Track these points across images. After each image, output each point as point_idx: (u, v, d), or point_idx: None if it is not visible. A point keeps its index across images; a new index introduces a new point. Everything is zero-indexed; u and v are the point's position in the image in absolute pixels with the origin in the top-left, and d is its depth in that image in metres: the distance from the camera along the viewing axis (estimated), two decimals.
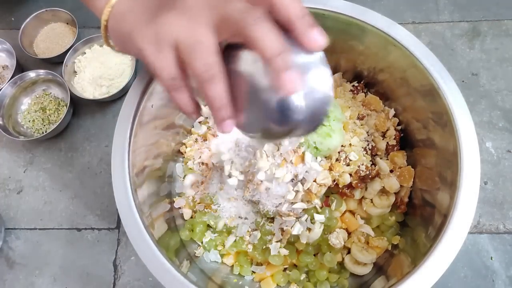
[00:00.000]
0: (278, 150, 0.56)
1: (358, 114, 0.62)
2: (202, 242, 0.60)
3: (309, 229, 0.56)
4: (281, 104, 0.32)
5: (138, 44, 0.37)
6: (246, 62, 0.34)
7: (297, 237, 0.56)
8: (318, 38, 0.31)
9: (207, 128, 0.65)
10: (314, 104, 0.33)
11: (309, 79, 0.33)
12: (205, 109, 0.66)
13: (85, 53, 0.74)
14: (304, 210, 0.57)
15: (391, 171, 0.60)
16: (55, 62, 0.75)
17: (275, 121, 0.33)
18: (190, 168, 0.63)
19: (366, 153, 0.60)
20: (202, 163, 0.63)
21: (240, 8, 0.31)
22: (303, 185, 0.56)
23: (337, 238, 0.56)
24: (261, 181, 0.56)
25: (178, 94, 0.37)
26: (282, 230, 0.57)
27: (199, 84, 0.34)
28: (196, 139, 0.65)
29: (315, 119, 0.35)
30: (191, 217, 0.62)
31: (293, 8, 0.31)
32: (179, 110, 0.38)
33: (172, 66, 0.35)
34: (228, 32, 0.33)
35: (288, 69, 0.30)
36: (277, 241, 0.57)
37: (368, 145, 0.61)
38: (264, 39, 0.30)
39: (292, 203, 0.56)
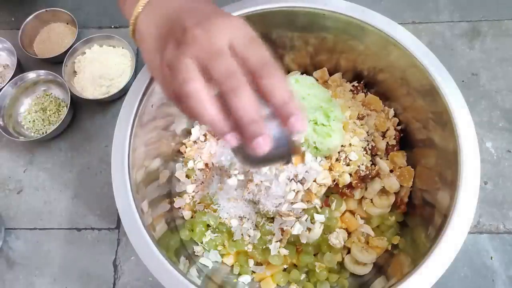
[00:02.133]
0: None
1: (358, 114, 0.62)
2: (202, 242, 0.60)
3: (309, 229, 0.56)
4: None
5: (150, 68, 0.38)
6: None
7: (297, 237, 0.56)
8: (299, 124, 0.32)
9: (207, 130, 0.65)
10: (280, 148, 0.35)
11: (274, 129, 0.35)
12: None
13: (85, 53, 0.74)
14: (304, 210, 0.57)
15: (391, 171, 0.60)
16: (55, 62, 0.75)
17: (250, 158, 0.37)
18: (190, 169, 0.63)
19: (366, 153, 0.60)
20: (203, 164, 0.63)
21: (230, 68, 0.32)
22: (303, 185, 0.56)
23: (337, 238, 0.56)
24: (261, 181, 0.56)
25: (205, 107, 0.34)
26: (282, 230, 0.57)
27: (224, 93, 0.32)
28: (195, 140, 0.65)
29: (283, 157, 0.38)
30: (191, 217, 0.62)
31: (279, 92, 0.32)
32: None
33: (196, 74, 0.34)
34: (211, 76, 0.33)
35: (259, 135, 0.31)
36: (277, 241, 0.57)
37: (368, 145, 0.61)
38: (242, 106, 0.31)
39: (292, 203, 0.56)
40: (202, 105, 0.32)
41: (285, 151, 0.36)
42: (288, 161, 0.39)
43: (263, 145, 0.31)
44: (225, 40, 0.33)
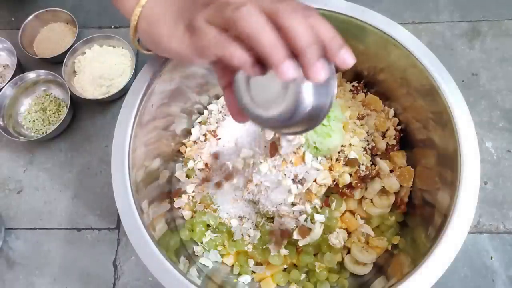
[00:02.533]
0: (279, 153, 0.56)
1: (358, 114, 0.62)
2: (202, 242, 0.60)
3: (309, 229, 0.56)
4: (298, 94, 0.34)
5: (171, 44, 0.38)
6: None
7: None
8: (349, 56, 0.33)
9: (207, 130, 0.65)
10: (321, 101, 0.35)
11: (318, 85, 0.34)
12: (210, 107, 0.66)
13: (85, 53, 0.74)
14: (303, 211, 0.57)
15: (391, 171, 0.60)
16: (55, 62, 0.75)
17: (286, 109, 0.35)
18: (190, 169, 0.63)
19: (366, 153, 0.60)
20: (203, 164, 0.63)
21: (280, 5, 0.32)
22: (303, 185, 0.56)
23: (337, 238, 0.56)
24: (261, 182, 0.56)
25: (226, 48, 0.33)
26: (282, 231, 0.57)
27: (238, 30, 0.32)
28: (195, 140, 0.65)
29: (317, 116, 0.36)
30: (191, 217, 0.62)
31: (326, 28, 0.33)
32: (239, 69, 0.35)
33: (211, 29, 0.34)
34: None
35: (319, 57, 0.31)
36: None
37: (368, 145, 0.61)
38: (300, 29, 0.31)
39: (292, 204, 0.57)
40: (261, 26, 0.31)
41: (325, 107, 0.35)
42: (319, 120, 0.37)
43: (324, 69, 0.31)
44: None
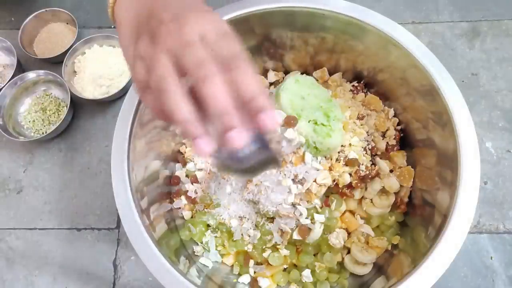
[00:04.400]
0: None
1: (358, 114, 0.62)
2: (202, 242, 0.60)
3: (309, 229, 0.56)
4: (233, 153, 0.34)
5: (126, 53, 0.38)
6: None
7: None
8: (269, 121, 0.31)
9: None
10: (262, 152, 0.35)
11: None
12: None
13: (85, 53, 0.74)
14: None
15: (391, 171, 0.60)
16: (55, 62, 0.75)
17: (235, 164, 0.36)
18: (190, 169, 0.63)
19: (366, 153, 0.60)
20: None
21: (200, 57, 0.31)
22: (303, 185, 0.56)
23: (337, 238, 0.56)
24: (261, 182, 0.56)
25: (143, 99, 0.34)
26: (282, 231, 0.57)
27: (195, 84, 0.31)
28: None
29: (268, 161, 0.37)
30: (191, 217, 0.62)
31: (247, 85, 0.31)
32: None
33: (140, 72, 0.34)
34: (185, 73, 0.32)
35: (233, 127, 0.30)
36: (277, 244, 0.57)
37: (368, 145, 0.61)
38: (212, 93, 0.30)
39: (292, 204, 0.56)
40: (175, 102, 0.31)
41: (269, 156, 0.35)
42: (276, 166, 0.37)
43: (238, 138, 0.30)
44: (197, 33, 0.32)
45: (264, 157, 0.35)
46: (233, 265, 0.60)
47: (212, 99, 0.30)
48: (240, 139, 0.30)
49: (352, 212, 0.60)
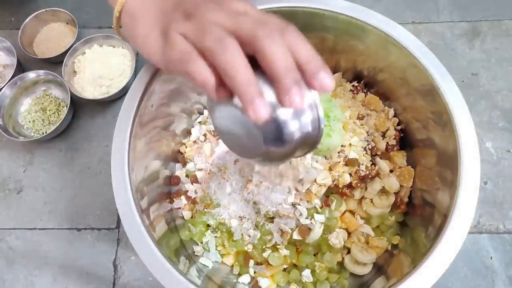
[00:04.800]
0: None
1: (358, 114, 0.62)
2: (202, 242, 0.60)
3: (309, 229, 0.56)
4: (280, 126, 0.32)
5: (144, 46, 0.37)
6: None
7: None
8: (328, 80, 0.31)
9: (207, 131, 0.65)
10: (308, 125, 0.33)
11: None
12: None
13: (85, 53, 0.74)
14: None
15: (391, 171, 0.60)
16: (55, 62, 0.75)
17: (274, 143, 0.33)
18: (190, 169, 0.63)
19: (366, 153, 0.60)
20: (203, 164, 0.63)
21: (257, 20, 0.31)
22: (303, 185, 0.56)
23: (337, 238, 0.56)
24: (261, 182, 0.56)
25: (192, 65, 0.32)
26: (282, 231, 0.57)
27: (213, 59, 0.31)
28: (195, 140, 0.65)
29: (311, 140, 0.35)
30: (191, 217, 0.62)
31: (305, 48, 0.31)
32: (199, 87, 0.34)
33: (183, 43, 0.33)
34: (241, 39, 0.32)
35: (257, 96, 0.29)
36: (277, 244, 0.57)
37: (368, 145, 0.61)
38: (277, 54, 0.30)
39: (292, 204, 0.56)
40: (237, 63, 0.30)
41: (312, 135, 0.33)
42: (313, 147, 0.35)
43: (301, 96, 0.29)
44: (242, 7, 0.32)
45: (307, 138, 0.34)
46: (233, 265, 0.60)
47: (276, 57, 0.30)
48: (303, 98, 0.30)
49: (352, 212, 0.60)
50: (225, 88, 0.32)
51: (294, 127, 0.33)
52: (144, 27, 0.38)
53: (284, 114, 0.32)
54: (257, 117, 0.29)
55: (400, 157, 0.60)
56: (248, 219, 0.59)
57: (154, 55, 0.37)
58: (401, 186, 0.59)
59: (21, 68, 0.75)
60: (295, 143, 0.34)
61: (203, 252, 0.60)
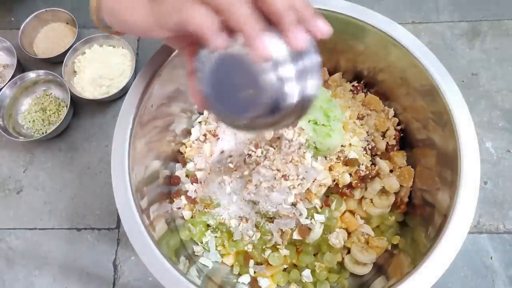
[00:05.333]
0: (279, 153, 0.56)
1: (358, 114, 0.62)
2: (202, 242, 0.60)
3: (309, 229, 0.56)
4: (274, 87, 0.31)
5: (134, 16, 0.36)
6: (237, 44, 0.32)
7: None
8: (324, 27, 0.32)
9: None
10: (304, 90, 0.33)
11: (301, 64, 0.32)
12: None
13: (85, 53, 0.74)
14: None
15: (391, 171, 0.60)
16: (55, 62, 0.75)
17: (267, 105, 0.32)
18: (190, 169, 0.63)
19: (366, 153, 0.60)
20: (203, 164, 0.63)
21: None
22: (303, 185, 0.56)
23: (337, 238, 0.56)
24: (260, 182, 0.56)
25: (187, 10, 0.31)
26: (281, 231, 0.57)
27: (221, 12, 0.30)
28: (195, 140, 0.65)
29: (303, 106, 0.34)
30: (191, 217, 0.62)
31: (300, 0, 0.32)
32: (201, 38, 0.32)
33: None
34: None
35: (261, 34, 0.29)
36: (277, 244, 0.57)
37: (368, 145, 0.61)
38: (244, 19, 0.30)
39: (292, 204, 0.56)
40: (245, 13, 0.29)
41: (304, 101, 0.33)
42: (301, 113, 0.34)
43: (302, 36, 0.30)
44: None
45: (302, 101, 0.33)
46: (233, 265, 0.60)
47: (245, 21, 0.29)
48: (303, 37, 0.30)
49: (352, 212, 0.60)
50: (223, 36, 0.31)
51: (294, 87, 0.32)
52: (143, 15, 0.36)
53: (286, 71, 0.31)
54: (262, 53, 0.29)
55: (400, 157, 0.60)
56: (248, 219, 0.59)
57: (147, 19, 0.35)
58: (401, 186, 0.59)
59: (21, 68, 0.75)
60: (290, 106, 0.33)
61: (203, 252, 0.60)
